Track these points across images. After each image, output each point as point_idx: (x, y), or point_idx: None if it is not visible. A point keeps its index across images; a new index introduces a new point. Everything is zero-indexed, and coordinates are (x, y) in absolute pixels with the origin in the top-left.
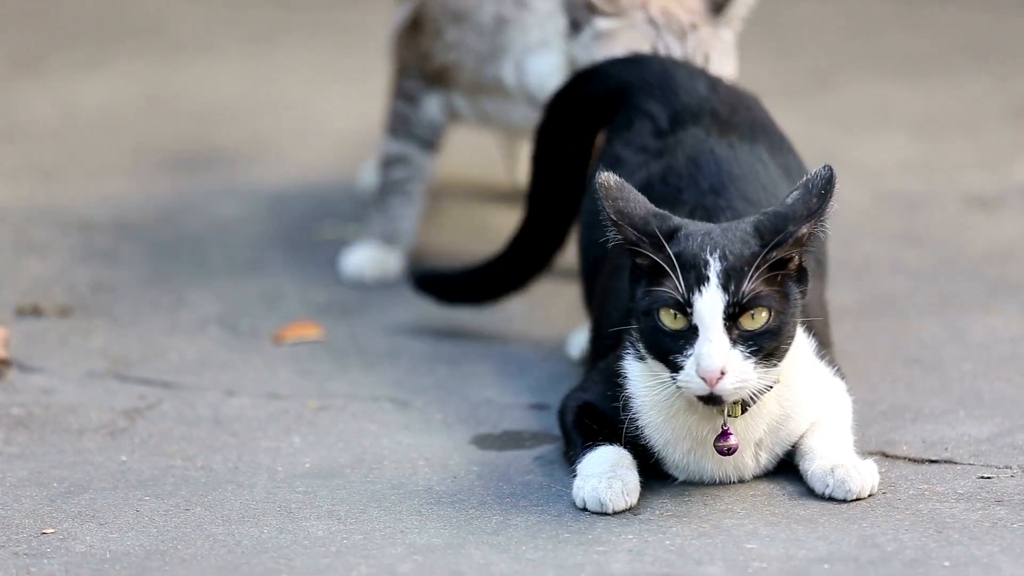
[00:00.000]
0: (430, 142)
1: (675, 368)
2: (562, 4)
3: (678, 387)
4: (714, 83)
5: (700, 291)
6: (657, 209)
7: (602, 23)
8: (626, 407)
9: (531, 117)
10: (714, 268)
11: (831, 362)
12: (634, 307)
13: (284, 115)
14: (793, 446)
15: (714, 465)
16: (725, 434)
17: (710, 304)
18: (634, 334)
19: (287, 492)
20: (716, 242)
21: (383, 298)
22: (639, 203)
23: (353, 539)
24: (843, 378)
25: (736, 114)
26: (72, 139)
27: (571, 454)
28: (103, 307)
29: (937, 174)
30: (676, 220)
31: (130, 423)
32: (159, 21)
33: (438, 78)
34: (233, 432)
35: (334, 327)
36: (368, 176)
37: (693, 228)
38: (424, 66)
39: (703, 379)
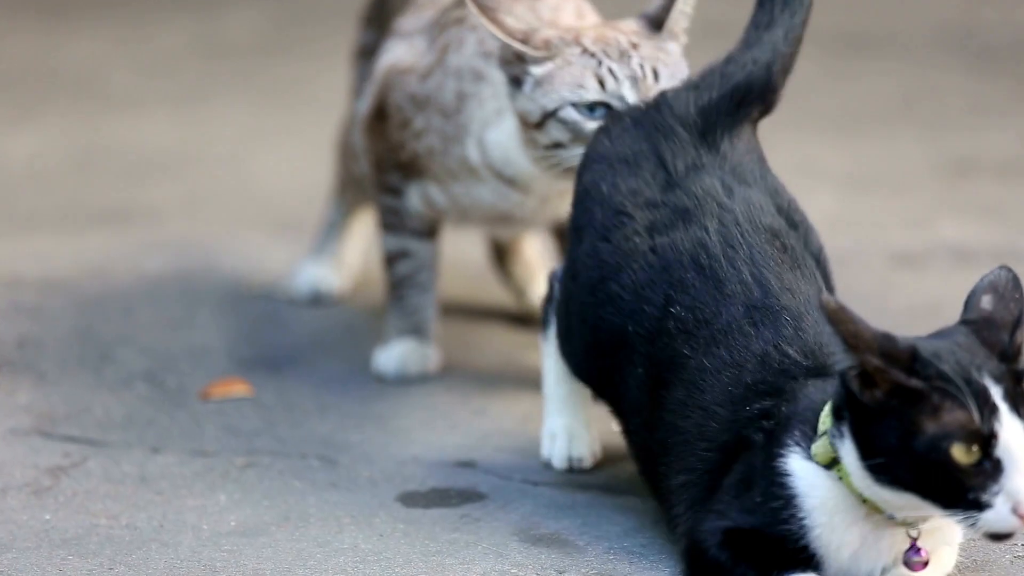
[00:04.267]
0: (426, 232)
1: (973, 505)
2: (498, 65)
3: (975, 525)
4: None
5: (998, 419)
6: (879, 329)
7: (537, 69)
8: (791, 507)
9: (503, 196)
10: (996, 392)
11: None
12: (895, 446)
13: (215, 171)
14: None
15: (868, 564)
16: (916, 549)
17: (1015, 433)
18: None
19: (212, 551)
20: (972, 361)
21: (312, 354)
22: (863, 322)
23: None
24: None
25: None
26: (0, 194)
27: None
28: (29, 364)
29: (863, 231)
30: (903, 338)
31: (55, 481)
32: (89, 75)
33: (411, 168)
34: (159, 490)
35: (262, 383)
36: (303, 278)
37: (931, 345)
38: (398, 157)
39: (1021, 517)
